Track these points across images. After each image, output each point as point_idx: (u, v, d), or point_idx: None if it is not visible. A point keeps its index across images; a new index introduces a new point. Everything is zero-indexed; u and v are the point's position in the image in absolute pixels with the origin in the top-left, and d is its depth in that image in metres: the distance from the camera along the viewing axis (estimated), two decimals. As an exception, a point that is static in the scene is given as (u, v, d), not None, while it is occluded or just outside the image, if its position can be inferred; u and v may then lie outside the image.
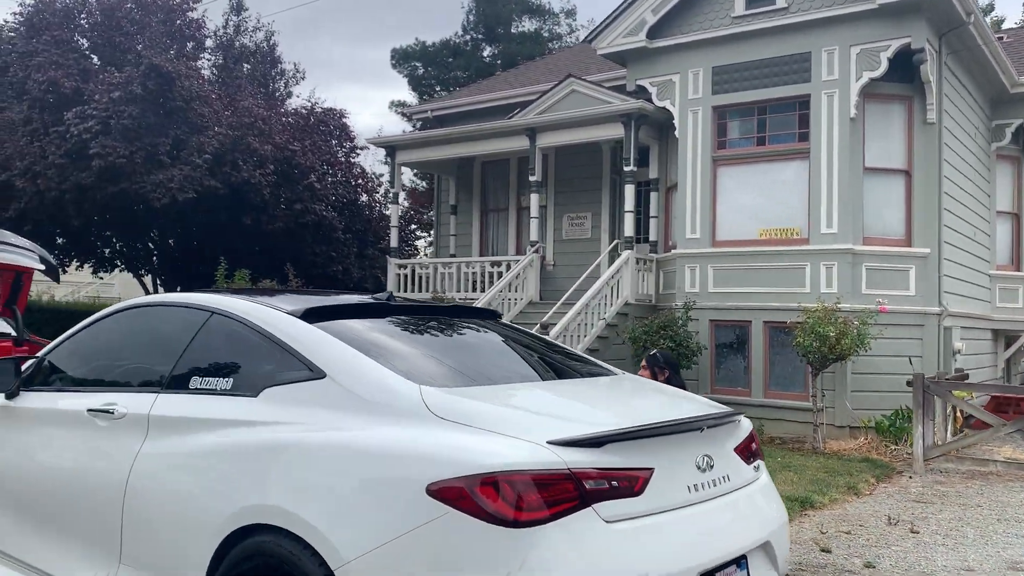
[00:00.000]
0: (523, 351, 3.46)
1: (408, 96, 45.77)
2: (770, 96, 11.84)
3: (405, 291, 15.37)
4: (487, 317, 3.84)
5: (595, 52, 17.05)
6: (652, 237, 13.68)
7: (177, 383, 3.17)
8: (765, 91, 11.87)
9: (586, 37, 18.89)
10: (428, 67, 45.70)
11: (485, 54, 45.22)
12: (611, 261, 15.10)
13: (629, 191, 13.00)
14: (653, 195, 13.67)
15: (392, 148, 15.79)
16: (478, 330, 3.52)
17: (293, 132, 16.67)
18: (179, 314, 3.41)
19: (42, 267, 6.85)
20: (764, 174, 11.97)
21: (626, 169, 12.94)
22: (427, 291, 14.97)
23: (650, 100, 12.82)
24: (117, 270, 20.26)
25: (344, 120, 18.61)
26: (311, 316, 3.07)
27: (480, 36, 45.45)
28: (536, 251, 13.86)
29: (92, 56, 16.01)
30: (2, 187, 14.83)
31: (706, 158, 12.31)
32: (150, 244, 18.24)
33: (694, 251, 12.27)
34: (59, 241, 17.64)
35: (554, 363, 3.41)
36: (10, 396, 3.74)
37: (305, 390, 2.79)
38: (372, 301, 3.47)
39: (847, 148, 11.16)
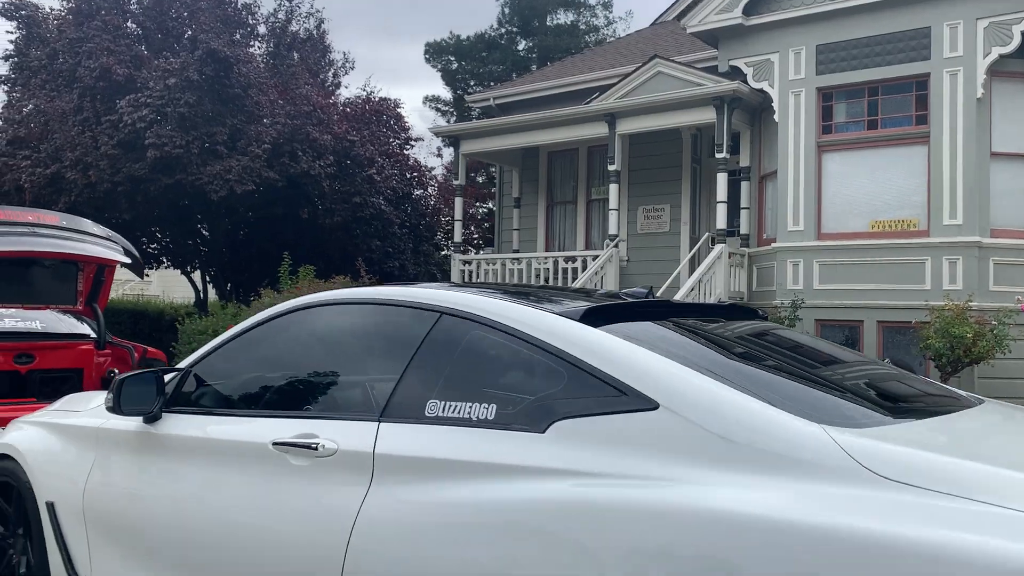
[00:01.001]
0: (850, 366, 2.57)
1: (442, 91, 44.99)
2: (883, 76, 10.86)
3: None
4: (757, 317, 2.96)
5: (668, 34, 16.08)
6: (743, 230, 12.73)
7: (401, 409, 2.33)
8: (877, 70, 10.90)
9: (658, 17, 17.97)
10: (462, 61, 44.95)
11: (520, 48, 44.39)
12: (693, 256, 14.21)
13: (721, 180, 12.05)
14: (744, 184, 12.72)
15: (456, 138, 14.95)
16: (773, 336, 2.64)
17: (350, 122, 15.88)
18: (393, 315, 2.57)
19: (127, 260, 6.06)
20: (876, 161, 11.00)
21: (718, 156, 12.00)
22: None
23: (745, 82, 11.89)
24: (162, 266, 19.60)
25: (399, 110, 17.82)
26: (594, 319, 2.21)
27: (515, 29, 44.57)
28: (616, 245, 12.96)
29: (142, 43, 15.30)
30: (52, 179, 14.16)
31: (810, 144, 11.35)
32: (198, 239, 17.54)
33: (797, 244, 11.33)
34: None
35: (890, 383, 2.51)
36: (150, 419, 2.92)
37: (629, 426, 1.92)
38: (637, 299, 2.60)
39: (972, 131, 10.17)
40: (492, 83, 43.15)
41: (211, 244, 17.47)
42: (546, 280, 14.06)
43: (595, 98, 13.49)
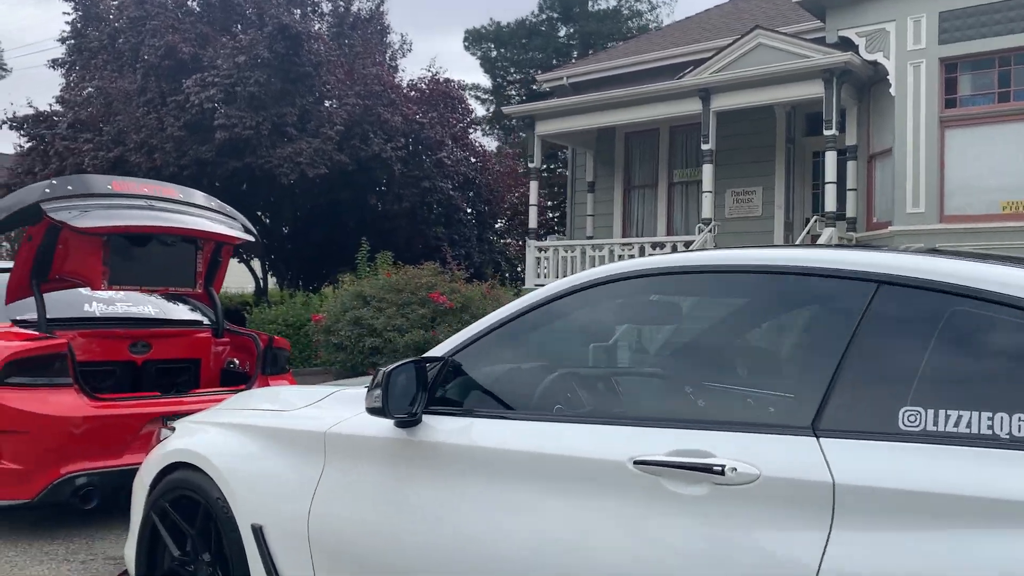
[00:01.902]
0: None
1: (481, 79, 44.26)
2: (1016, 44, 9.99)
3: (546, 276, 13.83)
4: None
5: (752, 7, 15.21)
6: (850, 213, 11.91)
7: (852, 418, 1.63)
8: (1009, 38, 10.03)
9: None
10: (501, 48, 44.33)
11: (561, 34, 43.63)
12: (787, 242, 13.40)
13: (830, 159, 11.25)
14: (851, 164, 11.88)
15: (531, 118, 14.25)
16: None
17: (418, 104, 15.22)
18: (792, 286, 1.87)
19: (250, 237, 5.43)
20: (1007, 136, 10.14)
21: (826, 134, 11.20)
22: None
23: (857, 53, 11.05)
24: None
25: (463, 92, 17.13)
26: None
27: (556, 15, 43.79)
28: (711, 230, 12.19)
29: (203, 19, 14.72)
30: (115, 163, 13.65)
31: (931, 119, 10.51)
32: (258, 226, 16.99)
33: (916, 228, 10.50)
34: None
35: None
36: (407, 422, 2.25)
37: None
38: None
39: (1121, 102, 9.28)
40: (533, 70, 42.37)
41: (272, 231, 16.93)
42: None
43: (687, 73, 12.70)
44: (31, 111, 16.37)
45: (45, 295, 4.86)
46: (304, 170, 13.03)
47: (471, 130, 16.88)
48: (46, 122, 16.01)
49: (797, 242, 11.85)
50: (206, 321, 5.73)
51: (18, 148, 24.99)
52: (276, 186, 14.10)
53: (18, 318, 4.87)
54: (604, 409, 2.01)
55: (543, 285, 11.90)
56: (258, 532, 2.58)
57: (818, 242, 10.91)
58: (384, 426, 2.33)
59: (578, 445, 1.92)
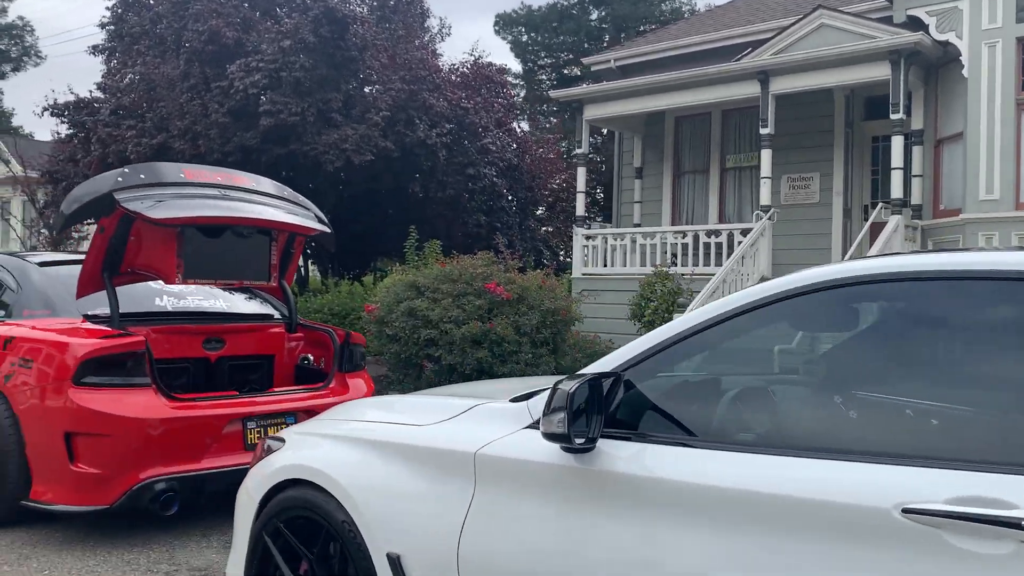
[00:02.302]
0: None
1: (512, 63, 43.81)
2: (1101, 21, 9.49)
3: (593, 265, 13.50)
4: None
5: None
6: (915, 200, 11.45)
7: None
8: (1094, 15, 9.52)
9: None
10: (532, 33, 43.96)
11: (592, 18, 43.14)
12: (845, 230, 12.98)
13: (896, 144, 10.80)
14: (916, 149, 11.41)
15: (580, 102, 13.89)
16: None
17: (463, 88, 14.91)
18: None
19: (326, 228, 5.16)
20: (1090, 119, 9.65)
21: (893, 118, 10.74)
22: (626, 265, 13.06)
23: (927, 32, 10.57)
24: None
25: (504, 76, 16.78)
26: None
27: (587, -1, 43.30)
28: (771, 218, 11.79)
29: (244, 3, 14.49)
30: (158, 150, 13.48)
31: (1007, 102, 10.03)
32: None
33: (989, 215, 10.07)
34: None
35: None
36: (580, 448, 1.96)
37: None
38: None
39: None
40: (564, 54, 41.88)
41: (311, 219, 16.67)
42: (675, 255, 12.99)
43: (746, 55, 12.28)
44: (72, 98, 16.27)
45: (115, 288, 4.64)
46: (350, 157, 12.79)
47: (514, 115, 16.52)
48: (87, 108, 15.90)
49: (861, 231, 11.43)
50: (279, 316, 5.50)
51: (56, 135, 25.04)
52: (319, 173, 13.88)
53: (89, 313, 4.66)
54: (834, 440, 1.71)
55: (591, 274, 11.53)
56: (395, 562, 2.31)
57: (885, 230, 10.50)
58: (549, 450, 2.05)
59: (814, 485, 1.62)
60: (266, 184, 5.23)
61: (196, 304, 5.21)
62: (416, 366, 9.50)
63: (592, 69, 15.63)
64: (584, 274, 13.51)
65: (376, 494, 2.42)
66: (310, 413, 4.77)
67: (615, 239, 13.41)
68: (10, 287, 5.03)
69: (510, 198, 16.14)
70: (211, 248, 4.75)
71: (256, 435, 4.49)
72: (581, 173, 14.16)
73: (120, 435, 4.09)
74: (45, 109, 16.44)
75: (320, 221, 5.25)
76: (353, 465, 2.54)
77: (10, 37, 37.04)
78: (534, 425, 2.17)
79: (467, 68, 15.88)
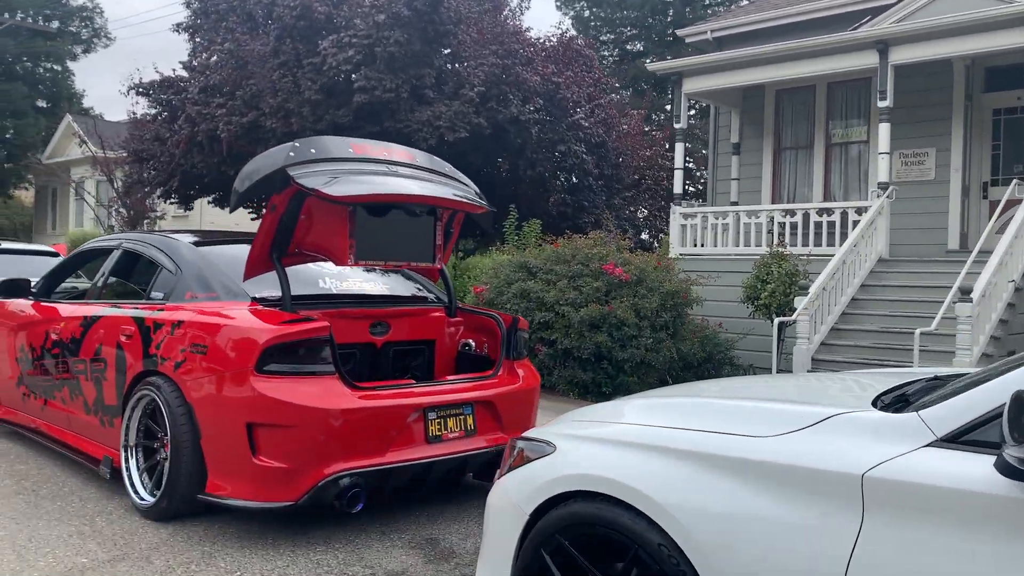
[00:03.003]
0: None
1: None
2: None
3: (692, 245, 13.00)
4: None
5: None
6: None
7: None
8: None
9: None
10: (595, 7, 43.13)
11: (656, -9, 42.05)
12: (964, 208, 12.28)
13: (1035, 116, 10.06)
14: (1053, 122, 10.65)
15: (679, 75, 13.33)
16: None
17: (554, 62, 14.47)
18: None
19: (490, 208, 4.83)
20: None
21: (1031, 88, 9.99)
22: (727, 245, 12.54)
23: (1073, -5, 9.81)
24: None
25: (590, 50, 16.27)
26: None
27: (652, -28, 42.20)
28: (889, 196, 11.16)
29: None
30: (249, 129, 13.35)
31: None
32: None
33: None
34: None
35: None
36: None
37: None
38: None
39: None
40: (627, 29, 41.02)
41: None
42: (780, 235, 12.43)
43: (864, 23, 11.60)
44: (157, 76, 16.26)
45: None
46: (443, 134, 12.49)
47: (602, 88, 16.01)
48: (172, 87, 15.86)
49: (998, 209, 10.74)
50: (436, 299, 5.20)
51: (132, 115, 25.25)
52: (408, 151, 13.59)
53: (257, 296, 4.41)
54: None
55: (689, 255, 11.02)
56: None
57: (1020, 210, 9.83)
58: (989, 478, 1.67)
59: None
60: (423, 158, 4.91)
61: (358, 287, 4.94)
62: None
63: (687, 41, 15.05)
64: (682, 254, 13.04)
65: (708, 517, 2.07)
66: (487, 404, 4.47)
67: (716, 217, 12.89)
68: (167, 268, 4.80)
69: (598, 176, 15.69)
70: (379, 228, 4.46)
71: (437, 426, 4.20)
72: (679, 149, 13.63)
73: (306, 427, 3.82)
74: (131, 88, 16.48)
75: (480, 198, 4.92)
76: (664, 478, 2.20)
77: (80, 19, 37.55)
78: (940, 443, 1.80)
79: (556, 42, 15.41)
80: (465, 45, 13.49)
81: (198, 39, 15.92)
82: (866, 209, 11.34)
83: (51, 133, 34.11)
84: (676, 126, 13.66)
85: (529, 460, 2.58)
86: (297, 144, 4.32)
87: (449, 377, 4.49)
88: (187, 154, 14.85)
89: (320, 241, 4.42)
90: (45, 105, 36.80)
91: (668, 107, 24.53)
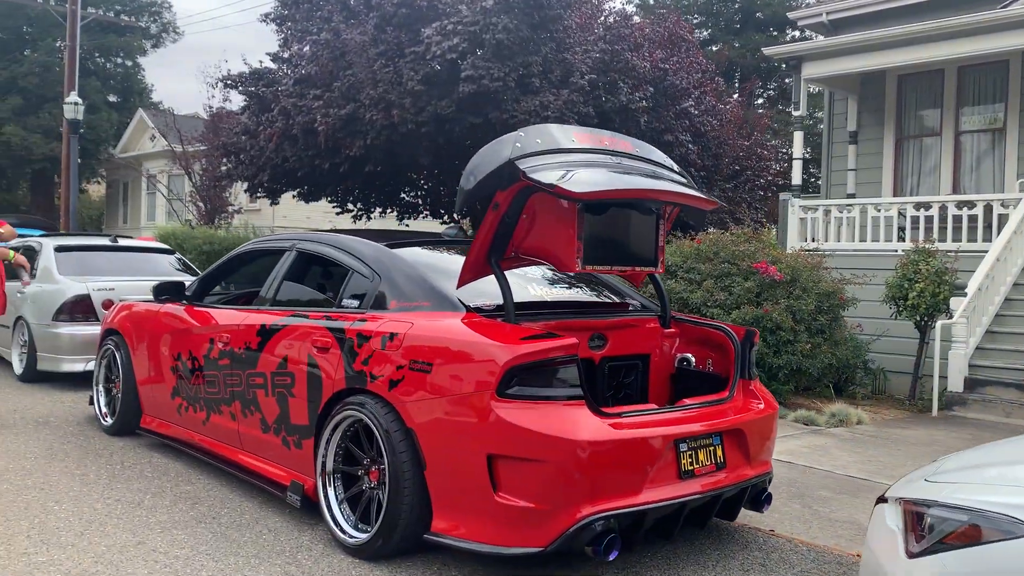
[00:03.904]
0: None
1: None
2: None
3: (813, 241, 12.22)
4: None
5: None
6: None
7: None
8: None
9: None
10: (656, -12, 42.07)
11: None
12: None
13: None
14: None
15: (799, 60, 12.58)
16: None
17: (661, 47, 13.78)
18: None
19: (721, 203, 4.23)
20: None
21: None
22: (852, 240, 11.74)
23: None
24: (421, 217, 18.49)
25: (691, 37, 15.53)
26: None
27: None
28: (1045, 187, 10.29)
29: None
30: (347, 121, 12.93)
31: None
32: (455, 187, 16.03)
33: None
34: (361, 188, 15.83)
35: None
36: None
37: None
38: None
39: None
40: (693, 17, 39.97)
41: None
42: (901, 230, 11.62)
43: (1011, 2, 10.71)
44: (246, 68, 15.97)
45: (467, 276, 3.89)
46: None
47: (708, 78, 15.26)
48: (263, 79, 15.55)
49: None
50: (647, 307, 4.63)
51: (209, 109, 25.20)
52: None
53: (472, 305, 3.90)
54: None
55: (809, 251, 10.20)
56: None
57: None
58: None
59: None
60: (641, 147, 4.35)
61: (567, 294, 4.40)
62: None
63: (799, 24, 14.26)
64: (803, 250, 12.29)
65: None
66: (736, 433, 3.90)
67: (840, 211, 12.10)
68: (359, 273, 4.32)
69: (700, 167, 14.96)
70: (602, 228, 3.92)
71: (689, 460, 3.64)
72: (798, 138, 12.89)
73: (558, 461, 3.29)
74: (220, 80, 16.22)
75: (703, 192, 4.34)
76: None
77: (149, 14, 37.83)
78: None
79: (659, 27, 14.70)
80: (570, 31, 12.87)
81: (288, 29, 15.55)
82: (1014, 202, 10.50)
83: (123, 128, 34.45)
84: (795, 113, 12.91)
85: (991, 540, 2.00)
86: (522, 134, 3.80)
87: (687, 401, 3.92)
88: (279, 147, 14.51)
89: (543, 243, 3.89)
90: (116, 100, 37.18)
91: (735, 96, 23.56)
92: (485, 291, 3.96)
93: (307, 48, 14.30)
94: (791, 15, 14.68)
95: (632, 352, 4.35)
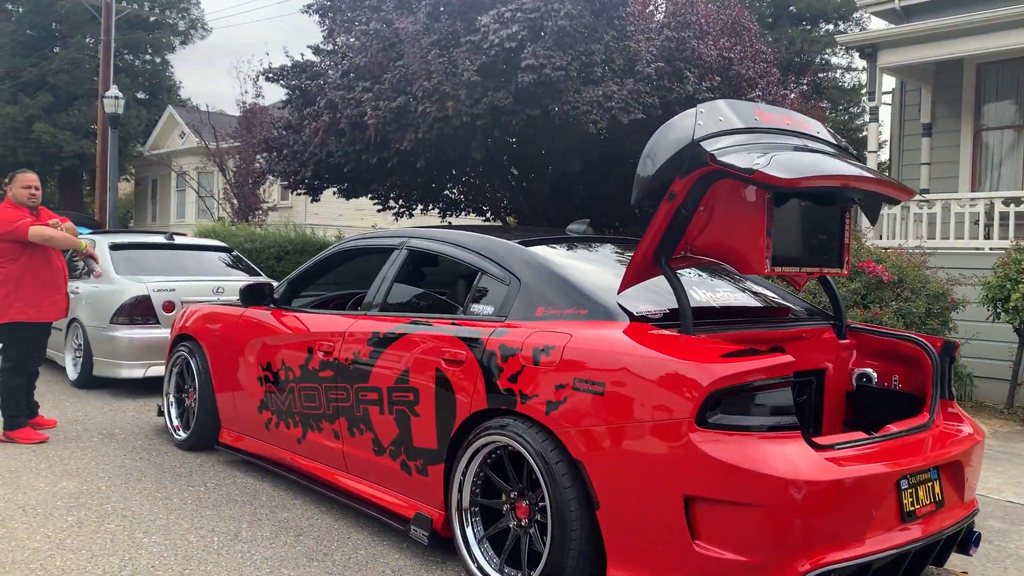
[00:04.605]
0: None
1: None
2: None
3: (891, 238, 11.56)
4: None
5: None
6: None
7: None
8: None
9: None
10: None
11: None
12: None
13: None
14: None
15: (874, 48, 11.92)
16: None
17: (725, 35, 13.13)
18: None
19: (918, 192, 3.65)
20: None
21: None
22: (935, 238, 11.06)
23: None
24: (463, 214, 17.98)
25: (752, 24, 14.85)
26: None
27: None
28: None
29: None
30: (397, 114, 12.38)
31: None
32: (516, 183, 15.49)
33: None
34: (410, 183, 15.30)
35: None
36: None
37: None
38: None
39: None
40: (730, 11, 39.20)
41: (530, 191, 15.42)
42: (1008, 227, 10.91)
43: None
44: (288, 61, 15.48)
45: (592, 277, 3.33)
46: (617, 115, 11.32)
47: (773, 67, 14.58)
48: (307, 72, 15.06)
49: None
50: (815, 314, 4.05)
51: (242, 104, 24.78)
52: (564, 136, 12.55)
53: (637, 313, 3.33)
54: None
55: (889, 248, 9.48)
56: None
57: None
58: None
59: None
60: (823, 129, 3.76)
61: (734, 298, 3.83)
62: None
63: (869, 11, 13.57)
64: (881, 248, 11.62)
65: None
66: (953, 466, 3.31)
67: (920, 207, 11.43)
68: (491, 275, 3.77)
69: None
70: (786, 223, 3.34)
71: (910, 499, 3.06)
72: (873, 130, 12.23)
73: (773, 504, 2.72)
74: (261, 73, 15.75)
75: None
76: None
77: (177, 10, 37.55)
78: None
79: (724, 14, 14.04)
80: (631, 17, 12.26)
81: (333, 20, 15.03)
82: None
83: (151, 125, 34.17)
84: (870, 104, 12.25)
85: None
86: (702, 110, 3.22)
87: (892, 427, 3.33)
88: (323, 142, 14.00)
89: (724, 240, 3.32)
90: (144, 97, 36.92)
91: (802, 85, 22.79)
92: (640, 296, 3.40)
93: (355, 39, 13.77)
94: (859, 2, 13.98)
95: (807, 367, 3.77)
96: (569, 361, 3.16)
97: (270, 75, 15.63)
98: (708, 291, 3.87)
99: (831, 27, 38.90)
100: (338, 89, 13.42)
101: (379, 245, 4.59)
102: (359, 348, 4.14)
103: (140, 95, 36.53)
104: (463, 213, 17.91)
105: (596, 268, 3.73)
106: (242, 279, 8.34)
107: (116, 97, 17.76)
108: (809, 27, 38.06)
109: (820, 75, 31.16)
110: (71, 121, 31.06)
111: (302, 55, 15.88)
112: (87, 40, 33.00)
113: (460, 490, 3.53)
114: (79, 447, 5.62)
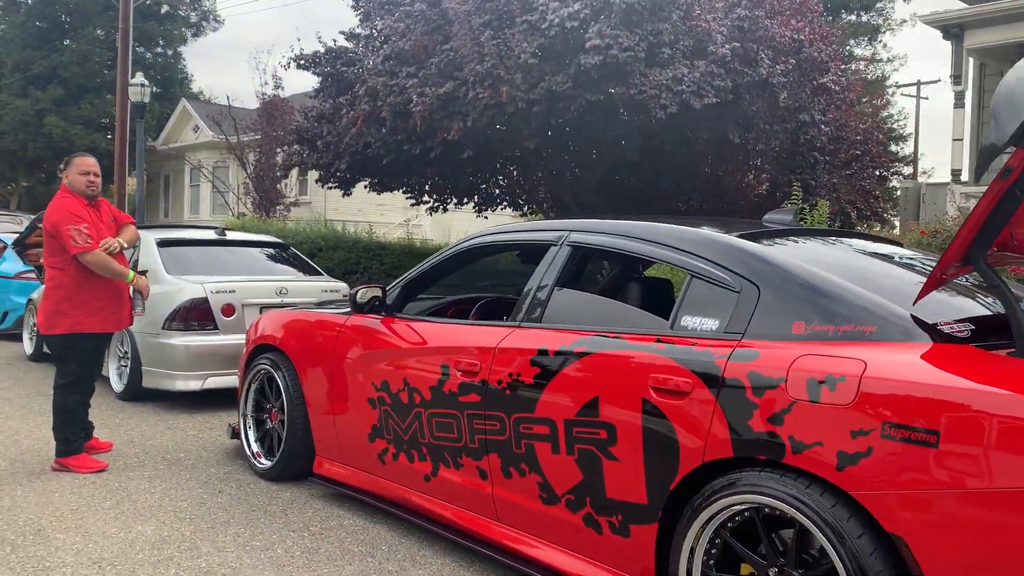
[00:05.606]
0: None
1: None
2: None
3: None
4: None
5: None
6: None
7: None
8: None
9: None
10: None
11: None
12: None
13: None
14: None
15: (960, 27, 11.10)
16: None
17: (796, 14, 12.30)
18: None
19: None
20: None
21: None
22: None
23: None
24: (500, 208, 17.21)
25: (817, 6, 14.03)
26: None
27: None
28: None
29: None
30: (445, 101, 11.58)
31: None
32: (569, 176, 14.65)
33: None
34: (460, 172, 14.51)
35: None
36: None
37: None
38: None
39: None
40: None
41: (577, 183, 14.62)
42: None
43: None
44: (320, 47, 14.71)
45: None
46: (688, 99, 10.51)
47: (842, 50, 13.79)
48: (342, 58, 14.28)
49: None
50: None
51: (262, 96, 23.94)
52: (622, 124, 11.78)
53: (943, 326, 2.52)
54: None
55: None
56: None
57: None
58: None
59: None
60: None
61: (981, 307, 3.01)
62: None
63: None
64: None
65: None
66: None
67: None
68: (709, 279, 2.94)
69: (823, 151, 13.51)
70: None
71: None
72: (957, 116, 11.39)
73: None
74: (292, 60, 14.96)
75: None
76: None
77: (191, 1, 36.72)
78: None
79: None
80: (700, -4, 11.45)
81: (370, 3, 14.20)
82: None
83: (164, 119, 33.38)
84: (955, 89, 11.41)
85: None
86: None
87: None
88: (361, 132, 13.19)
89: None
90: (157, 90, 36.10)
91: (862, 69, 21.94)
92: (921, 306, 2.59)
93: (397, 22, 12.95)
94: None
95: None
96: (871, 397, 2.34)
97: (302, 62, 14.83)
98: (967, 296, 3.05)
99: (853, 17, 38.01)
100: (379, 75, 12.61)
101: (529, 240, 3.76)
102: (517, 368, 3.32)
103: (153, 88, 35.75)
104: (500, 207, 17.13)
105: (857, 270, 2.92)
106: (304, 279, 7.54)
107: (142, 85, 16.92)
108: (831, 17, 37.22)
109: (848, 66, 30.33)
110: (82, 114, 30.27)
111: (334, 41, 15.09)
112: (97, 32, 32.18)
113: (690, 560, 2.72)
114: (144, 477, 4.82)
